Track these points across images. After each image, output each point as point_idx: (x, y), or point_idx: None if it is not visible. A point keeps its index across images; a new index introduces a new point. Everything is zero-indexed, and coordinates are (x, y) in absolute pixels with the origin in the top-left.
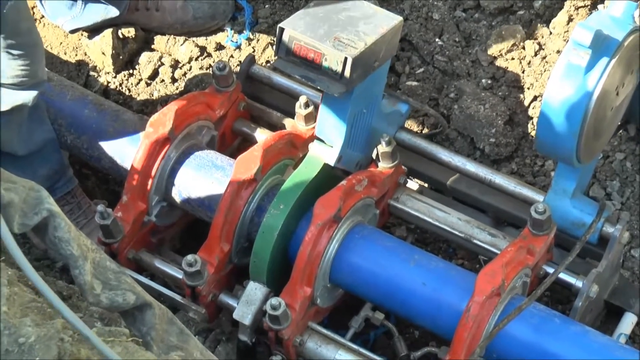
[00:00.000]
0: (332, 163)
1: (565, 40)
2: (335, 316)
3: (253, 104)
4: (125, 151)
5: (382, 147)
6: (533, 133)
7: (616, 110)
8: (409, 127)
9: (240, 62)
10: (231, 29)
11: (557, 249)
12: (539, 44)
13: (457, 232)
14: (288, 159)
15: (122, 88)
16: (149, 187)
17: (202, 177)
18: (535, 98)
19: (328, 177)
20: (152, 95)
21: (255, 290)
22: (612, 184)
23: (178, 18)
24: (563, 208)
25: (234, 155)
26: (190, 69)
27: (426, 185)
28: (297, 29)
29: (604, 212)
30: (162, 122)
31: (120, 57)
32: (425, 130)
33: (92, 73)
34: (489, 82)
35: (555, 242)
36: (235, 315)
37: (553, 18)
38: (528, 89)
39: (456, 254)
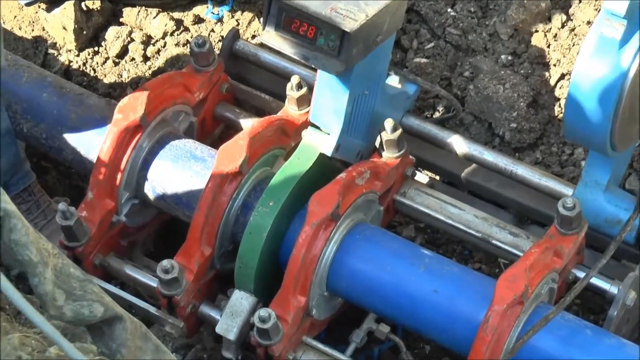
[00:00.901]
0: (329, 153)
1: (596, 9)
2: (334, 329)
3: (237, 85)
4: (91, 141)
5: (387, 134)
6: (560, 117)
7: None
8: (417, 111)
9: (222, 37)
10: (211, 0)
11: (589, 250)
12: (566, 14)
13: (473, 232)
14: (278, 148)
15: (86, 68)
16: (118, 182)
17: (180, 170)
18: (562, 76)
19: (324, 169)
20: (121, 77)
21: (241, 300)
22: None
23: None
24: (595, 203)
25: (215, 144)
26: (164, 45)
27: (437, 177)
28: None
29: None
30: (132, 107)
31: (84, 33)
32: (437, 115)
33: (51, 51)
34: (509, 58)
35: (586, 242)
36: (219, 329)
37: None
38: (554, 65)
39: (472, 256)
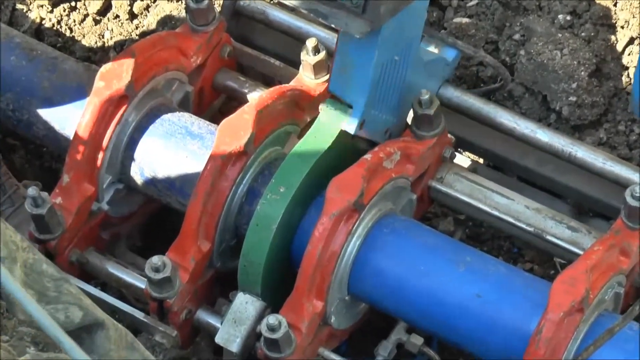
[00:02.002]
0: (351, 130)
1: None
2: (357, 341)
3: (242, 48)
4: (66, 114)
5: (421, 109)
6: (628, 88)
7: None
8: (457, 81)
9: None
10: None
11: None
12: None
13: (524, 226)
14: (291, 124)
15: (61, 27)
16: (99, 163)
17: (173, 150)
18: (631, 40)
19: (346, 150)
20: (103, 37)
21: (245, 304)
22: None
23: None
24: None
25: (215, 119)
26: (154, 0)
27: (481, 160)
28: None
29: None
30: (117, 74)
31: None
32: (481, 86)
33: (19, 6)
34: (568, 18)
35: None
36: (219, 339)
37: None
38: (622, 27)
39: (522, 255)
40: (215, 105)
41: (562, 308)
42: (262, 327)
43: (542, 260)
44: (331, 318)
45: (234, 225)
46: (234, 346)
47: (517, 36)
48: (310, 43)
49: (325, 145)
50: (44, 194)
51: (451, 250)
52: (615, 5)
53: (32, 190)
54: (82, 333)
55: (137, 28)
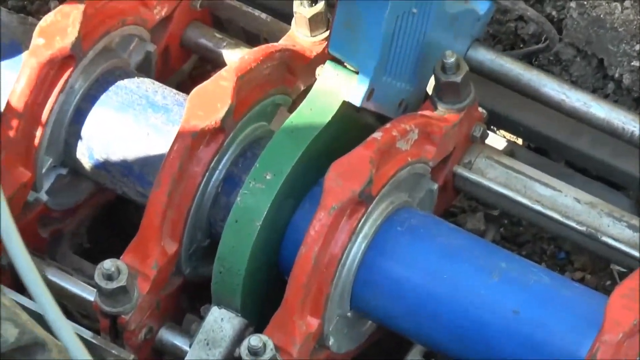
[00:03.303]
0: (357, 101)
1: None
2: None
3: None
4: None
5: (445, 75)
6: None
7: None
8: (490, 40)
9: None
10: None
11: None
12: None
13: (573, 224)
14: (280, 94)
15: None
16: (37, 141)
17: (130, 125)
18: None
19: (350, 127)
20: None
21: (221, 322)
22: None
23: None
24: None
25: (184, 86)
26: None
27: (520, 141)
28: None
29: None
30: (60, 28)
31: None
32: (521, 46)
33: None
34: None
35: None
36: None
37: None
38: None
39: (572, 261)
40: (184, 69)
41: (621, 327)
42: (242, 351)
43: (595, 267)
44: (329, 339)
45: (207, 222)
46: None
47: None
48: None
49: (324, 120)
50: None
51: (482, 254)
52: None
53: None
54: (18, 355)
55: None
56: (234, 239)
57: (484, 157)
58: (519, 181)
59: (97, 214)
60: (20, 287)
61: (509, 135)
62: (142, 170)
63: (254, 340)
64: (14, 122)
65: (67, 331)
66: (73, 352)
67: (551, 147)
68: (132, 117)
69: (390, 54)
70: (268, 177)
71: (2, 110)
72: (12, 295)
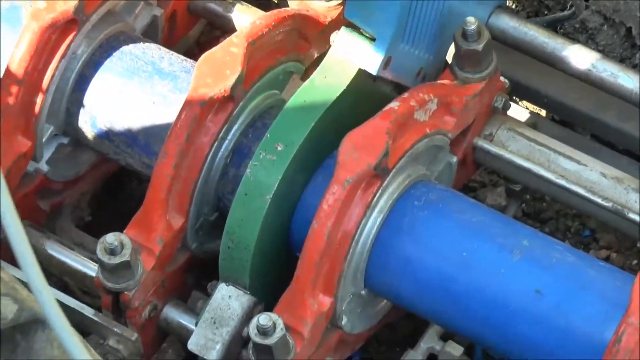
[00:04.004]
0: (373, 70)
1: None
2: (376, 349)
3: None
4: None
5: (466, 42)
6: None
7: None
8: (513, 7)
9: None
10: None
11: None
12: None
13: (598, 200)
14: (293, 61)
15: None
16: (37, 109)
17: (135, 93)
18: None
19: (366, 96)
20: None
21: (229, 300)
22: None
23: None
24: None
25: (192, 53)
26: None
27: (543, 112)
28: None
29: None
30: None
31: None
32: (545, 13)
33: None
34: None
35: None
36: (193, 346)
37: None
38: None
39: (597, 239)
40: (191, 34)
41: None
42: (251, 330)
43: (622, 246)
44: (342, 319)
45: (215, 195)
46: (213, 354)
47: None
48: None
49: (338, 89)
50: None
51: (503, 231)
52: None
53: None
54: (17, 333)
55: None
56: (243, 213)
57: (505, 128)
58: (543, 154)
59: (100, 186)
60: (14, 260)
61: (532, 107)
62: (147, 140)
63: (263, 319)
64: (14, 89)
65: (52, 306)
66: (56, 328)
67: (576, 120)
68: (137, 85)
69: (409, 20)
70: (279, 149)
71: (1, 76)
72: (9, 268)
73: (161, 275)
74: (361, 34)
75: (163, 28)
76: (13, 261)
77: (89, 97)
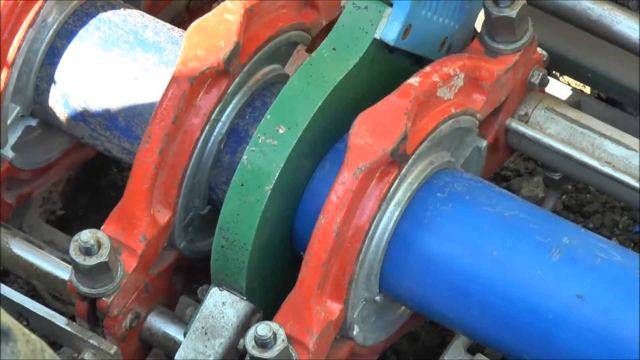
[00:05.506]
0: (391, 40)
1: None
2: None
3: None
4: None
5: (497, 8)
6: None
7: None
8: None
9: None
10: None
11: None
12: None
13: None
14: (298, 29)
15: None
16: (1, 86)
17: (115, 66)
18: None
19: (382, 70)
20: None
21: (222, 306)
22: None
23: None
24: None
25: (180, 21)
26: None
27: (587, 89)
28: None
29: None
30: None
31: None
32: None
33: None
34: None
35: None
36: (181, 359)
37: None
38: None
39: None
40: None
41: None
42: (248, 342)
43: None
44: (353, 329)
45: (206, 185)
46: None
47: None
48: None
49: (350, 62)
50: None
51: (540, 228)
52: None
53: None
54: None
55: None
56: (240, 207)
57: (543, 108)
58: (586, 138)
59: (74, 175)
60: None
61: (574, 83)
62: (128, 122)
63: (262, 329)
64: None
65: None
66: None
67: (625, 98)
68: (116, 57)
69: None
70: (281, 131)
71: None
72: None
73: (144, 278)
74: None
75: None
76: None
77: (61, 71)
